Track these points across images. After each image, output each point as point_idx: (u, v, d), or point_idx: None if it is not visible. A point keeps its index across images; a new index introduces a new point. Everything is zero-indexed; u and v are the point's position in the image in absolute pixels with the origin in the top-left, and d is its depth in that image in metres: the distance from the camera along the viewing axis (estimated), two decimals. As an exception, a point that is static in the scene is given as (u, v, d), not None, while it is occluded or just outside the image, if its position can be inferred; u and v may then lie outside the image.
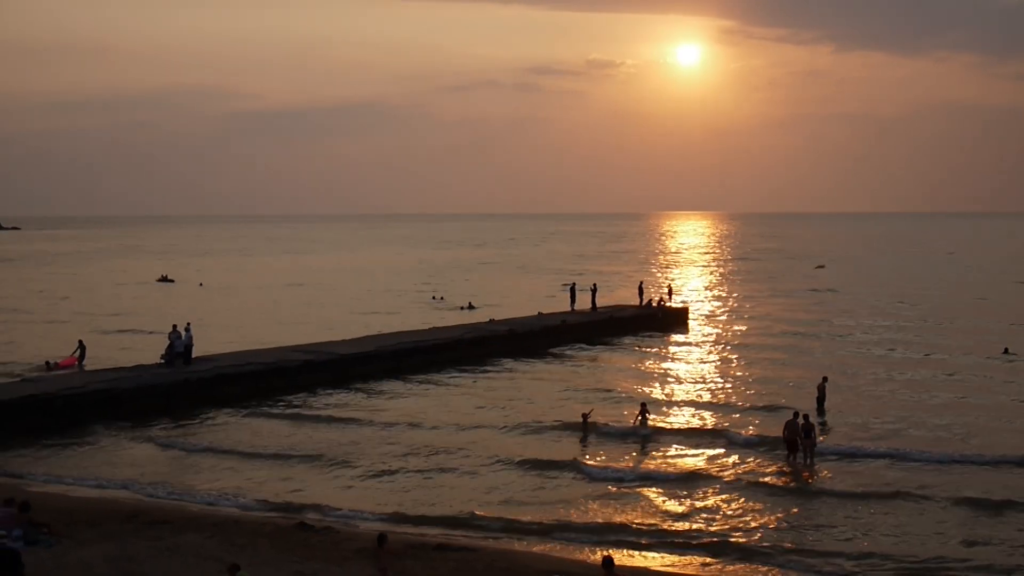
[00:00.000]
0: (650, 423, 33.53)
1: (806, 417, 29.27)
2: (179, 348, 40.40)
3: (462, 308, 73.21)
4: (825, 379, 36.25)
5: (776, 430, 30.89)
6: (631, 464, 29.26)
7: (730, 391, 40.87)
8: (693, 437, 32.59)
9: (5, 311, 72.38)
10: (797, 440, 28.91)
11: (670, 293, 70.59)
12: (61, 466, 29.34)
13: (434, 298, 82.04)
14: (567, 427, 33.72)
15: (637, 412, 33.83)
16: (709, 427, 34.10)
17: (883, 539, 22.54)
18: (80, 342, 46.12)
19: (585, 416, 33.62)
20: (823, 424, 33.40)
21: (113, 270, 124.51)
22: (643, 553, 21.86)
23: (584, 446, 31.63)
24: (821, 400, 34.72)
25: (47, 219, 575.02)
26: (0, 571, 15.38)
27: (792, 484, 27.40)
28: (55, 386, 35.54)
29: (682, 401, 38.86)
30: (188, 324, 41.98)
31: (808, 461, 28.76)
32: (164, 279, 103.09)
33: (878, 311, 72.17)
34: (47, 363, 45.48)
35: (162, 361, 40.47)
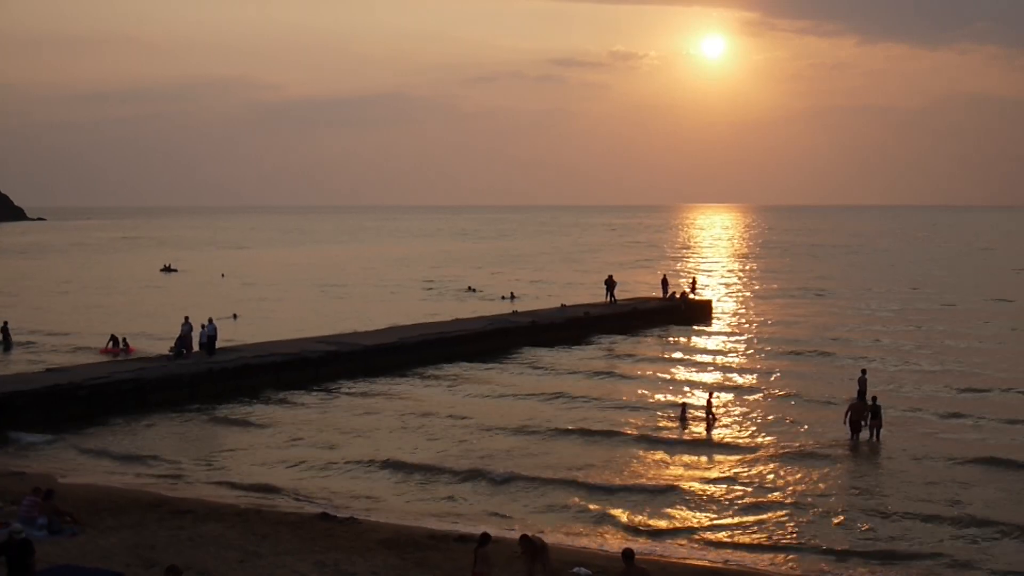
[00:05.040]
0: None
1: (874, 399, 30.81)
2: (202, 339, 40.52)
3: (503, 298, 73.73)
4: (864, 371, 35.69)
5: (807, 423, 31.14)
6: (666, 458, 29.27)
7: (758, 385, 40.53)
8: (724, 430, 32.43)
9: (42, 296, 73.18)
10: (861, 422, 29.85)
11: (693, 286, 70.25)
12: (85, 455, 29.50)
13: (469, 289, 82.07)
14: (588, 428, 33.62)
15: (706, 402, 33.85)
16: (741, 420, 33.93)
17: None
18: (112, 335, 48.92)
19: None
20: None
21: (134, 261, 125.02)
22: (669, 546, 21.77)
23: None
24: (862, 393, 34.08)
25: (71, 210, 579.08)
26: (13, 561, 15.43)
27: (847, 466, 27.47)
28: (80, 376, 35.74)
29: (711, 394, 38.52)
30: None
31: (875, 439, 29.75)
32: (168, 269, 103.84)
33: (901, 308, 71.68)
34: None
35: (170, 354, 40.15)
